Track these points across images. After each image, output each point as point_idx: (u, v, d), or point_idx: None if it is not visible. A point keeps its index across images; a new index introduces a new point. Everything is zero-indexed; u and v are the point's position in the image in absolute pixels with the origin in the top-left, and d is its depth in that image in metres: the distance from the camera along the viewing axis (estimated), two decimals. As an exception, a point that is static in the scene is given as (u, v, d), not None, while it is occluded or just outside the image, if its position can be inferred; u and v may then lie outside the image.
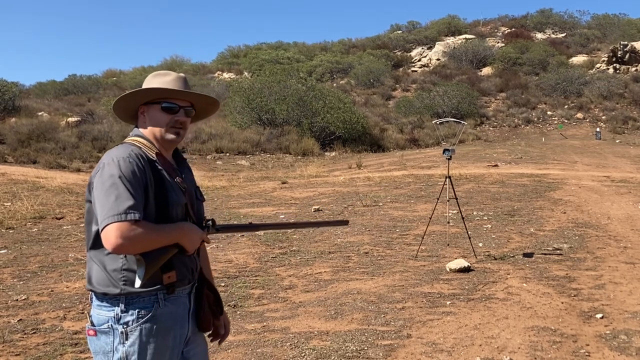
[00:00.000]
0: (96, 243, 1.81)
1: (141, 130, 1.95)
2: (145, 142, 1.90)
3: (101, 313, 1.81)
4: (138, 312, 1.80)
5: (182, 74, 2.00)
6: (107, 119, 25.53)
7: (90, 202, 1.81)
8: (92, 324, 1.83)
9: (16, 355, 3.73)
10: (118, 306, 1.79)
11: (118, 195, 1.68)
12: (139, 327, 1.80)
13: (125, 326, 1.79)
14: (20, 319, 4.39)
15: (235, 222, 1.87)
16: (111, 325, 1.79)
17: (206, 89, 32.48)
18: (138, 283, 1.73)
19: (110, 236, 1.64)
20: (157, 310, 1.82)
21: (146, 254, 1.73)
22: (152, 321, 1.81)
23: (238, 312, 4.56)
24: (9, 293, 5.09)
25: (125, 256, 1.78)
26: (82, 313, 4.53)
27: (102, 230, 1.66)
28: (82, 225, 8.43)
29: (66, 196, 11.11)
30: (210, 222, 1.98)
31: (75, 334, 4.09)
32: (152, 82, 1.94)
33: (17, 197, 10.25)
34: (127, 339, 1.79)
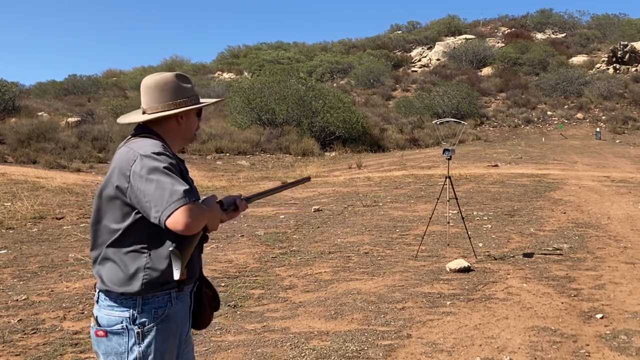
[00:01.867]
0: (118, 241, 1.81)
1: (156, 130, 1.96)
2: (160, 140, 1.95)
3: (113, 314, 1.81)
4: (154, 311, 1.82)
5: None
6: (107, 119, 25.53)
7: (116, 198, 1.80)
8: (100, 325, 1.82)
9: (16, 355, 3.73)
10: (133, 307, 1.80)
11: (173, 183, 1.74)
12: (155, 327, 1.81)
13: (141, 326, 1.80)
14: (20, 319, 4.39)
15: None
16: (126, 326, 1.79)
17: (206, 89, 32.50)
18: (177, 275, 1.79)
19: (181, 218, 1.70)
20: (170, 309, 1.85)
21: (180, 244, 1.81)
22: (167, 320, 1.84)
23: (238, 312, 4.56)
24: (9, 293, 5.09)
25: (150, 254, 1.81)
26: (82, 313, 4.53)
27: (169, 216, 1.70)
28: (83, 225, 8.45)
29: (66, 196, 11.11)
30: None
31: (75, 334, 4.09)
32: (190, 88, 2.01)
33: (17, 197, 10.25)
34: (143, 340, 1.80)
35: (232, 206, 2.04)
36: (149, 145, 1.84)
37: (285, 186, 2.49)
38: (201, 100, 2.05)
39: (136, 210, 1.79)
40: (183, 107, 1.95)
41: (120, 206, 1.81)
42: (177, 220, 1.70)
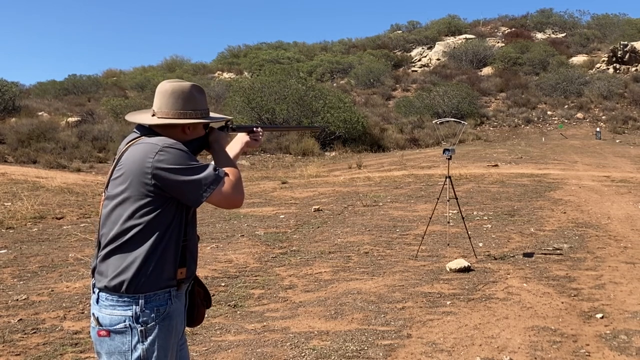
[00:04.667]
0: (132, 238, 1.83)
1: (161, 133, 1.99)
2: None
3: (115, 313, 1.82)
4: (156, 309, 1.84)
5: None
6: (107, 118, 25.55)
7: (135, 196, 1.84)
8: (101, 325, 1.83)
9: (16, 355, 3.73)
10: (137, 304, 1.82)
11: (204, 165, 1.88)
12: (157, 325, 1.84)
13: (144, 324, 1.82)
14: (20, 319, 4.39)
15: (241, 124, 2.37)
16: (129, 324, 1.81)
17: (206, 89, 32.46)
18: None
19: (227, 192, 1.90)
20: (170, 307, 1.88)
21: (190, 239, 1.99)
22: (168, 318, 1.87)
23: (238, 312, 4.56)
24: (9, 293, 5.09)
25: (161, 249, 1.86)
26: (82, 313, 4.53)
27: (213, 194, 1.87)
28: (83, 225, 8.45)
29: (66, 196, 11.11)
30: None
31: (75, 334, 4.09)
32: (203, 101, 2.06)
33: (17, 197, 10.25)
34: (146, 338, 1.82)
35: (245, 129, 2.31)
36: (163, 139, 1.89)
37: (298, 127, 2.67)
38: (211, 114, 2.09)
39: (153, 207, 1.84)
40: (192, 119, 1.99)
41: (137, 203, 1.83)
42: (224, 196, 1.89)
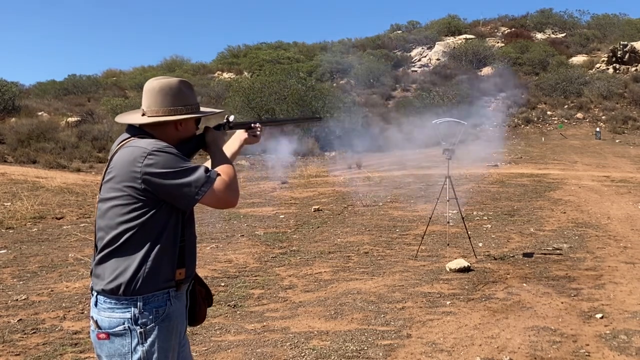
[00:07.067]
0: (126, 240, 1.82)
1: (152, 133, 1.96)
2: None
3: (113, 315, 1.81)
4: (155, 310, 1.83)
5: None
6: (107, 118, 25.53)
7: (125, 198, 1.82)
8: (100, 328, 1.82)
9: (16, 355, 3.73)
10: (135, 306, 1.80)
11: (194, 167, 1.84)
12: (157, 326, 1.83)
13: (143, 326, 1.81)
14: (20, 319, 4.39)
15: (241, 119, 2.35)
16: (128, 327, 1.80)
17: (206, 89, 32.47)
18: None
19: (220, 194, 1.86)
20: (170, 308, 1.87)
21: (187, 240, 1.97)
22: (167, 319, 1.86)
23: (238, 312, 4.56)
24: (9, 293, 5.09)
25: (156, 252, 1.85)
26: (82, 313, 4.53)
27: (206, 196, 1.83)
28: (83, 225, 8.45)
29: (66, 196, 11.11)
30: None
31: (75, 334, 4.09)
32: (192, 96, 2.03)
33: (17, 197, 10.24)
34: (146, 339, 1.81)
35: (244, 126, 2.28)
36: (152, 142, 1.86)
37: (296, 119, 2.63)
38: (201, 109, 2.05)
39: (146, 209, 1.82)
40: (182, 115, 1.96)
41: (129, 206, 1.82)
42: (217, 197, 1.85)
